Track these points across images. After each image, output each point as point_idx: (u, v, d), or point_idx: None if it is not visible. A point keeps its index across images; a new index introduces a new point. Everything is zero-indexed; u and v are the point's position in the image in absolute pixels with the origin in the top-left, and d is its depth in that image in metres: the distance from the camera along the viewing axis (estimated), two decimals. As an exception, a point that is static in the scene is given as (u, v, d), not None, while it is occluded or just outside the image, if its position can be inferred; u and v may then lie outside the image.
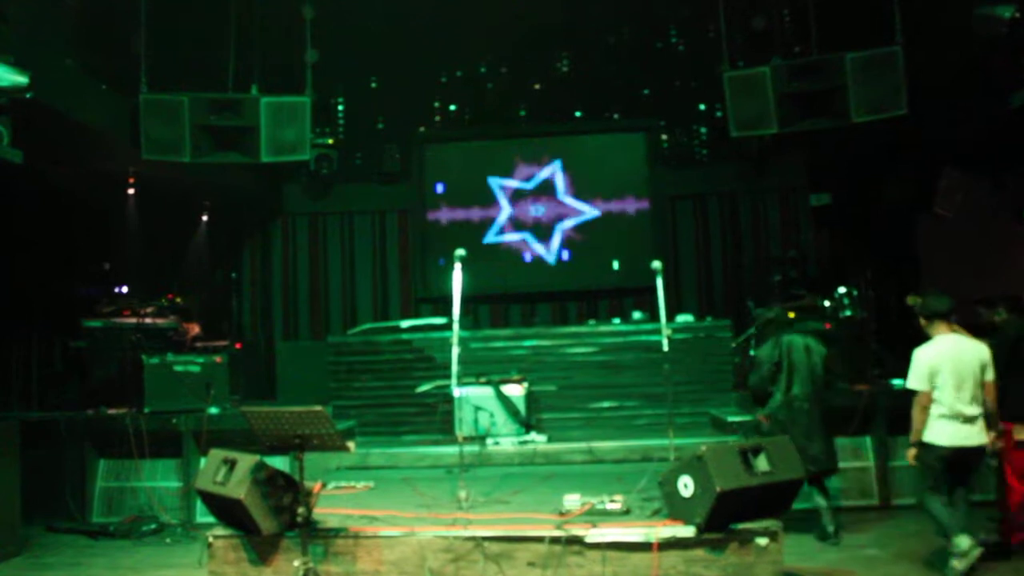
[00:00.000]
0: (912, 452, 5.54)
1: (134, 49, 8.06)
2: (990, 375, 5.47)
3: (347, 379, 9.11)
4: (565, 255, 12.27)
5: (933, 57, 8.07)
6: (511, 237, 12.36)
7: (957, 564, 5.25)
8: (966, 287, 8.81)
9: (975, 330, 6.19)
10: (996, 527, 6.01)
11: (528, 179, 12.37)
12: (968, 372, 5.39)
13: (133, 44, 8.07)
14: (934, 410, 5.41)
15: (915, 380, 5.46)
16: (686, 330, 8.87)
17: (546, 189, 12.34)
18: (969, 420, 5.36)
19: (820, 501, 6.40)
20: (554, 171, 12.34)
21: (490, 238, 12.36)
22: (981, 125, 8.53)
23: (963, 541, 5.26)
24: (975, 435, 5.37)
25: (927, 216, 10.25)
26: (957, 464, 5.43)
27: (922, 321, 5.66)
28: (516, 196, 12.36)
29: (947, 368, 5.38)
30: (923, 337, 5.66)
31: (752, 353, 6.86)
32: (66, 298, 9.40)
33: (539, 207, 12.30)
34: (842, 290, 9.07)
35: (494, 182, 12.41)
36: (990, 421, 5.47)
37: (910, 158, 9.88)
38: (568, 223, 12.26)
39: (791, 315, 9.12)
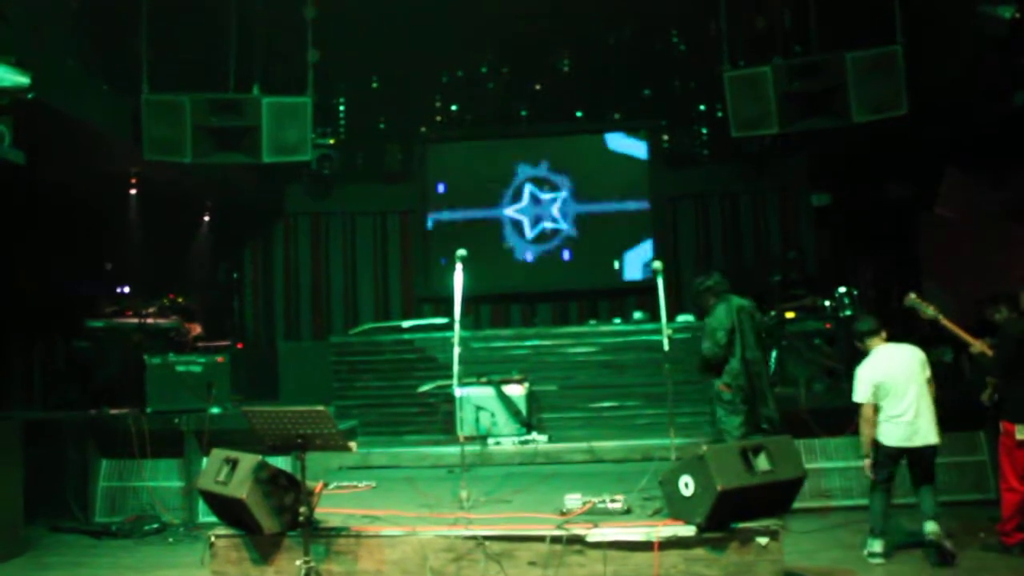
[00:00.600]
0: (868, 463, 5.86)
1: (135, 49, 8.08)
2: (928, 372, 5.77)
3: (349, 379, 9.11)
4: (566, 255, 12.27)
5: (934, 57, 8.07)
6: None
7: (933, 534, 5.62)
8: (967, 287, 8.83)
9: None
10: (995, 527, 6.01)
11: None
12: (907, 377, 5.69)
13: (134, 44, 8.10)
14: (881, 415, 5.72)
15: (859, 395, 5.81)
16: (687, 330, 8.86)
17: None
18: (912, 422, 5.64)
19: None
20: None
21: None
22: (982, 125, 8.53)
23: (931, 525, 5.65)
24: (920, 435, 5.65)
25: (928, 216, 10.24)
26: (908, 462, 5.76)
27: (858, 344, 6.03)
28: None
29: (887, 377, 5.71)
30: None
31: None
32: (68, 298, 9.41)
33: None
34: (842, 290, 9.09)
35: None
36: None
37: (911, 158, 9.87)
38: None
39: (791, 315, 9.17)
